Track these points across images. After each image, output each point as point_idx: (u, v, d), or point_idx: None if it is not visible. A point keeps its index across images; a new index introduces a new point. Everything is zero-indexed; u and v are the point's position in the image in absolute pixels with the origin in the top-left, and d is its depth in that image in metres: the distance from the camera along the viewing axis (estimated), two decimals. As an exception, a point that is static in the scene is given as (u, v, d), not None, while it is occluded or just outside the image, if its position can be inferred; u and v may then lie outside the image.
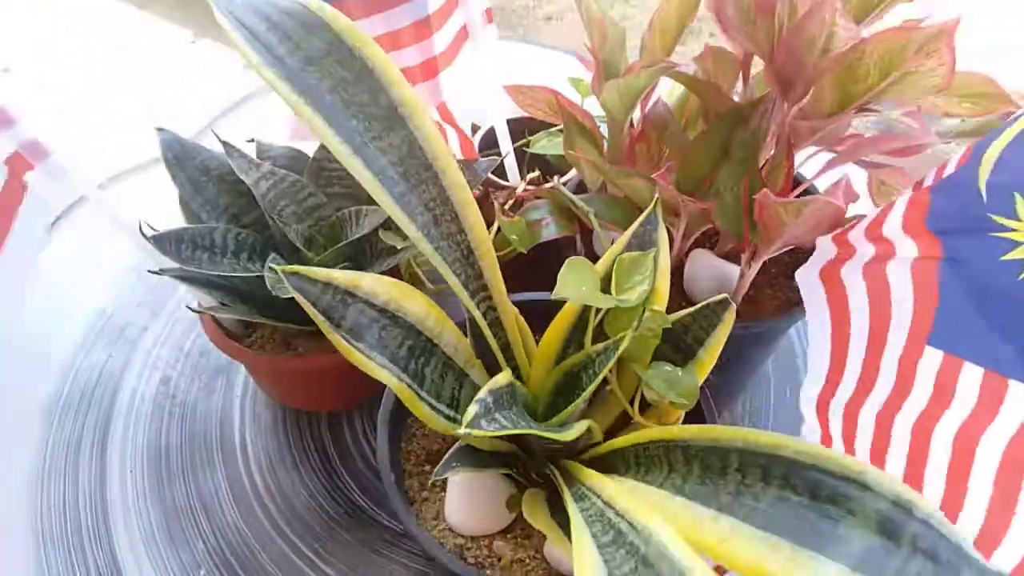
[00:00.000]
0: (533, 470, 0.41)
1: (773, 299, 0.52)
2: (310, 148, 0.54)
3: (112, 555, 0.52)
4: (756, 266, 0.46)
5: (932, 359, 0.36)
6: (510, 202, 0.54)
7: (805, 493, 0.25)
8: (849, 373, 0.41)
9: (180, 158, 0.51)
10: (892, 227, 0.39)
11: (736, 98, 0.48)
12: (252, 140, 0.53)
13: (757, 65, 0.47)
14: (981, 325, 0.33)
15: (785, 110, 0.44)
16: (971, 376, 0.32)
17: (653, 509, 0.28)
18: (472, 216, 0.37)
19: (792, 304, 0.51)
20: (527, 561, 0.39)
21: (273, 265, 0.35)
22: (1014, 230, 0.34)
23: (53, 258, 0.66)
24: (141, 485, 0.55)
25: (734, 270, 0.49)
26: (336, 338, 0.34)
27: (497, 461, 0.40)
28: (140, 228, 0.44)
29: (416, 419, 0.45)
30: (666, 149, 0.49)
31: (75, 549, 0.52)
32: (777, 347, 0.63)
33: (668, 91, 0.54)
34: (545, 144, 0.60)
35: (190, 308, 0.51)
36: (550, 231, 0.49)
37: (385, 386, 0.38)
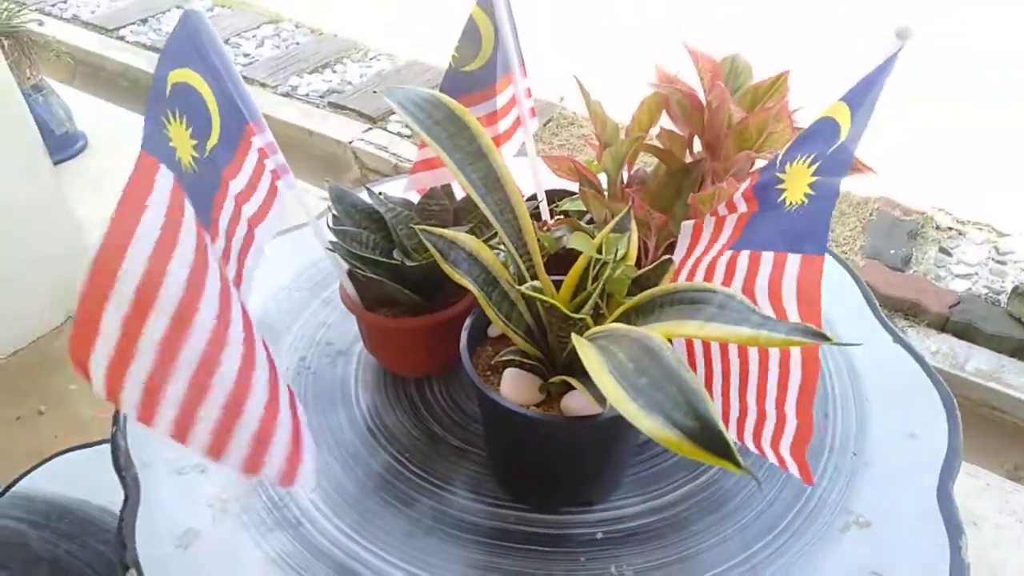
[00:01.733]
0: (554, 369, 0.66)
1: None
2: (415, 197, 0.84)
3: (270, 455, 0.77)
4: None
5: (743, 255, 0.62)
6: (545, 228, 0.82)
7: (688, 302, 0.51)
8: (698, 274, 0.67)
9: (339, 198, 0.81)
10: (737, 196, 0.66)
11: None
12: (381, 192, 0.83)
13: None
14: (766, 231, 0.59)
15: (712, 164, 0.73)
16: (765, 258, 0.59)
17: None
18: (521, 209, 0.66)
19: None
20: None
21: (418, 227, 0.63)
22: (783, 179, 0.60)
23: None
24: (288, 418, 0.81)
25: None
26: (445, 265, 0.62)
27: (531, 360, 0.65)
28: (328, 222, 0.74)
29: (480, 345, 0.71)
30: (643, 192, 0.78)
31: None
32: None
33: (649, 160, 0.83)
34: (567, 205, 0.89)
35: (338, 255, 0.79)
36: (567, 240, 0.76)
37: (457, 358, 0.64)
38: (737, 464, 0.37)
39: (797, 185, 0.59)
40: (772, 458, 0.60)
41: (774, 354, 0.59)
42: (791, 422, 0.58)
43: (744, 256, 0.61)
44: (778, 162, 0.60)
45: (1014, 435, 1.76)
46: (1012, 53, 3.15)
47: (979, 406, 1.78)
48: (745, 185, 0.63)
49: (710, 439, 0.38)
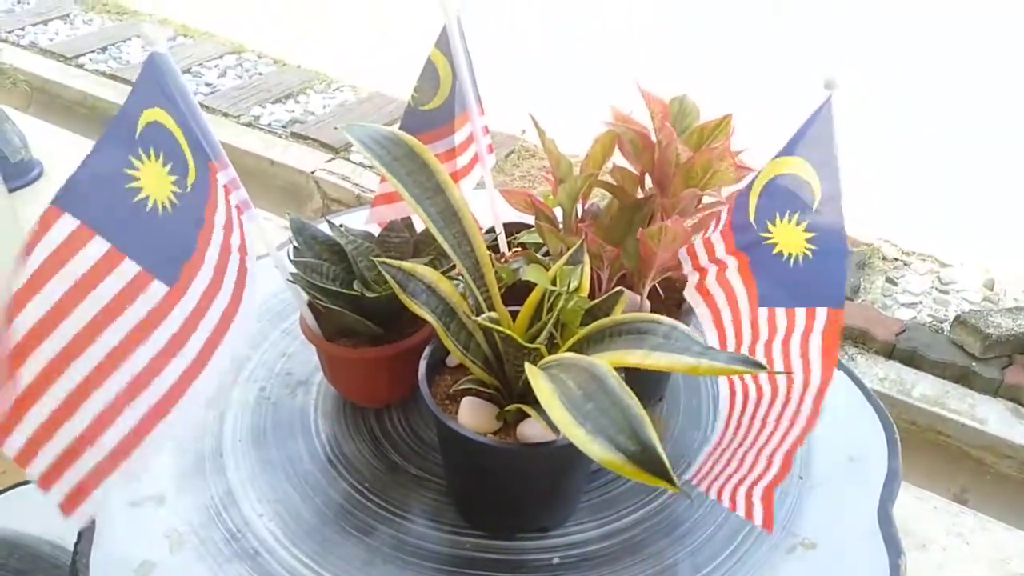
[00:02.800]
0: (510, 398, 0.68)
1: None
2: (376, 229, 0.86)
3: (228, 486, 0.77)
4: (647, 288, 0.76)
5: (761, 312, 0.66)
6: (503, 260, 0.85)
7: (635, 332, 0.53)
8: (729, 338, 0.70)
9: (300, 231, 0.82)
10: (720, 252, 0.70)
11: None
12: (342, 225, 0.85)
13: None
14: (769, 285, 0.63)
15: (662, 201, 0.77)
16: (799, 315, 0.63)
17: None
18: (478, 241, 0.68)
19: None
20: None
21: (377, 260, 0.65)
22: (771, 234, 0.64)
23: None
24: (245, 448, 0.81)
25: (637, 297, 0.79)
26: (404, 296, 0.64)
27: (488, 389, 0.67)
28: (289, 254, 0.75)
29: (439, 374, 0.73)
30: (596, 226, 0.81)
31: (204, 480, 0.77)
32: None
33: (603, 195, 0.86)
34: (525, 237, 0.92)
35: (293, 283, 0.80)
36: (523, 272, 0.79)
37: (416, 388, 0.66)
38: (672, 483, 0.39)
39: (791, 240, 0.63)
40: (741, 507, 0.62)
41: (793, 399, 0.62)
42: (774, 468, 0.60)
43: (781, 316, 0.64)
44: (755, 223, 0.64)
45: (959, 458, 1.82)
46: (951, 88, 3.31)
47: (925, 431, 1.85)
48: (720, 245, 0.67)
49: (649, 461, 0.40)
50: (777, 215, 0.64)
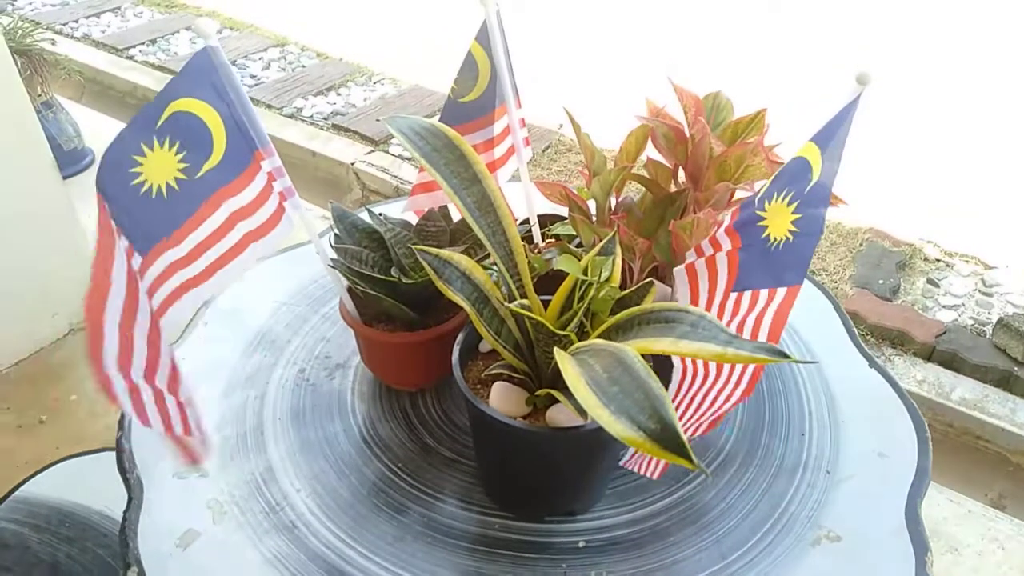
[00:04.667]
0: (540, 383, 0.70)
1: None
2: (413, 218, 0.88)
3: (268, 462, 0.80)
4: (679, 281, 0.77)
5: (732, 296, 0.67)
6: (536, 250, 0.87)
7: (663, 321, 0.55)
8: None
9: (341, 218, 0.85)
10: (720, 233, 0.70)
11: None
12: (381, 213, 0.88)
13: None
14: (757, 271, 0.64)
15: (695, 194, 0.77)
16: (762, 294, 0.63)
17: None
18: (512, 231, 0.70)
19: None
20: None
21: (415, 247, 0.67)
22: (765, 212, 0.65)
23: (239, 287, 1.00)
24: (285, 426, 0.84)
25: (668, 289, 0.81)
26: (439, 283, 0.66)
27: (519, 374, 0.69)
28: (330, 241, 0.78)
29: (472, 360, 0.75)
30: (629, 218, 0.82)
31: (246, 457, 0.81)
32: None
33: (637, 189, 0.88)
34: (559, 229, 0.93)
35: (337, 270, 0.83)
36: (556, 262, 0.80)
37: (449, 373, 0.68)
38: (691, 461, 0.41)
39: (779, 222, 0.64)
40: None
41: (733, 376, 0.64)
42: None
43: (746, 297, 0.65)
44: (757, 200, 0.65)
45: (997, 464, 1.79)
46: (997, 91, 3.22)
47: (963, 435, 1.82)
48: (727, 222, 0.67)
49: (669, 439, 0.41)
50: (776, 194, 0.64)
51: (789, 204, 0.64)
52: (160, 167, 0.63)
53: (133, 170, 0.61)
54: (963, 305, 2.10)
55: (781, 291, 0.66)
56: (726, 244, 0.69)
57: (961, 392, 1.85)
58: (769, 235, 0.63)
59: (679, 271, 0.72)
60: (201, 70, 0.63)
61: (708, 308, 0.70)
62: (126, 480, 0.77)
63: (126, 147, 0.61)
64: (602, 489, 0.77)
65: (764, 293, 0.67)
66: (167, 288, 0.66)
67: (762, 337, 0.60)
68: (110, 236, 0.58)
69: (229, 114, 0.65)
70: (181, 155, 0.64)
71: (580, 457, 0.70)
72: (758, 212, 0.64)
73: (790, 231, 0.64)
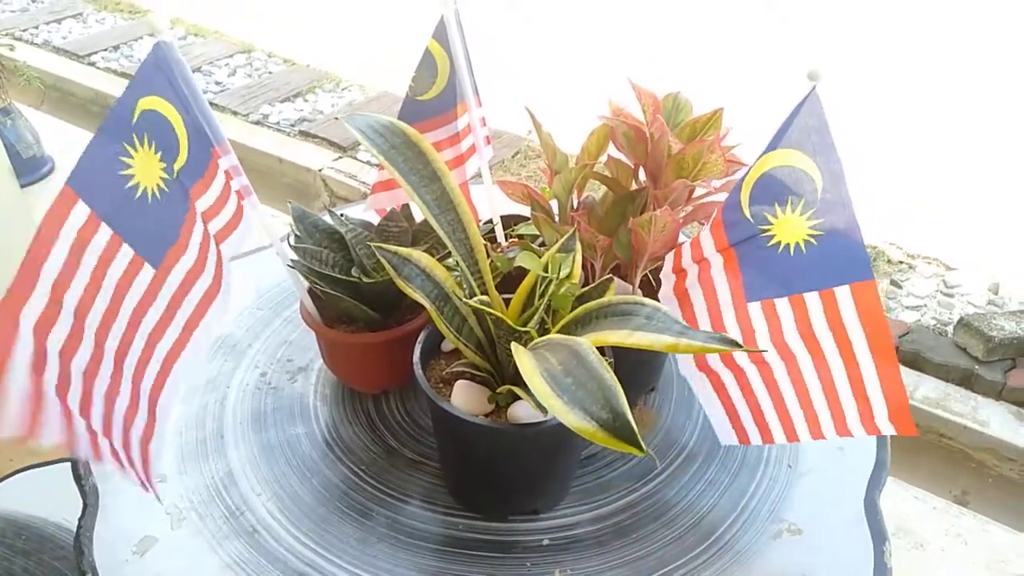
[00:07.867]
0: (502, 381, 0.70)
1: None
2: (375, 219, 0.88)
3: (228, 467, 0.79)
4: (638, 277, 0.78)
5: (754, 306, 0.67)
6: (499, 250, 0.87)
7: (619, 314, 0.55)
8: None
9: (301, 219, 0.84)
10: (708, 251, 0.71)
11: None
12: (342, 214, 0.87)
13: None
14: (758, 279, 0.65)
15: (654, 192, 0.78)
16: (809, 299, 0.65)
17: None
18: (472, 228, 0.69)
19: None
20: (497, 423, 0.67)
21: (374, 244, 0.67)
22: (771, 225, 0.66)
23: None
24: (245, 430, 0.83)
25: (629, 286, 0.81)
26: (399, 280, 0.66)
27: (481, 372, 0.69)
28: (289, 240, 0.77)
29: (434, 359, 0.75)
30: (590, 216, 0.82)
31: (205, 461, 0.79)
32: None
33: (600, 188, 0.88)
34: (522, 229, 0.93)
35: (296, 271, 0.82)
36: (517, 259, 0.81)
37: (412, 375, 0.68)
38: (641, 449, 0.41)
39: (791, 231, 0.65)
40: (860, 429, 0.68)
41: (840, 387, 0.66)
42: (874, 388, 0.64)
43: (782, 304, 0.66)
44: (749, 217, 0.66)
45: (961, 461, 1.82)
46: (958, 93, 3.30)
47: (927, 433, 1.85)
48: (707, 235, 0.68)
49: (620, 428, 0.42)
50: (778, 207, 0.65)
51: (802, 214, 0.65)
52: (148, 168, 0.61)
53: (124, 172, 0.59)
54: (925, 306, 2.14)
55: (841, 290, 0.64)
56: (716, 260, 0.69)
57: (924, 391, 1.88)
58: (778, 243, 0.64)
59: (666, 296, 0.73)
60: (157, 67, 0.62)
61: (715, 322, 0.70)
62: (81, 487, 0.75)
63: (112, 148, 0.59)
64: (565, 487, 0.77)
65: (813, 299, 0.66)
66: (190, 303, 0.65)
67: (859, 349, 0.61)
68: (48, 247, 0.55)
69: (186, 111, 0.65)
70: (159, 154, 0.62)
71: (542, 454, 0.70)
72: (760, 227, 0.65)
73: (811, 235, 0.65)
